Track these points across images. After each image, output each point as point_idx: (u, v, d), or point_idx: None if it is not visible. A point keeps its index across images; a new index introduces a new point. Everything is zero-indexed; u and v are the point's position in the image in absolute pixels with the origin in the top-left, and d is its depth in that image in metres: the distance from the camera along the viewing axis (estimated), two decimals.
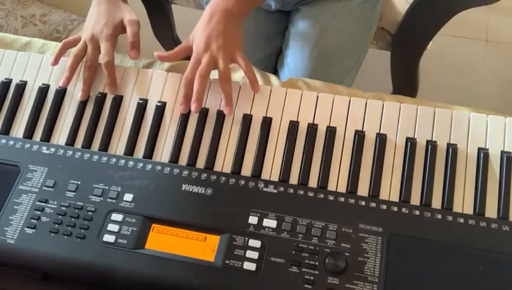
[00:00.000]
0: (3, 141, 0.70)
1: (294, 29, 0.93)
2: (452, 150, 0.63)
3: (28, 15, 1.48)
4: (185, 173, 0.65)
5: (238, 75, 0.76)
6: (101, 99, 0.71)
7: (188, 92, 0.67)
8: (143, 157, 0.67)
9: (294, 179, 0.64)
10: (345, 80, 0.94)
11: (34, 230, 0.62)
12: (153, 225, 0.62)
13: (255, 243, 0.59)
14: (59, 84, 0.72)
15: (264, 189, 0.63)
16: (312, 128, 0.66)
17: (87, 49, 0.73)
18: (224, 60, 0.68)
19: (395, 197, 0.62)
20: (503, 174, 0.61)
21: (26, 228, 0.62)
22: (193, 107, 0.66)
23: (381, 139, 0.64)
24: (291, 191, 0.63)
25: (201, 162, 0.66)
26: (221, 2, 0.72)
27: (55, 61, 0.73)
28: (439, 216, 0.60)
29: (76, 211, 0.63)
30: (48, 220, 0.62)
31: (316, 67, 0.90)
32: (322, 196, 0.62)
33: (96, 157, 0.67)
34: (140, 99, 0.70)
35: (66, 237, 0.61)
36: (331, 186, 0.63)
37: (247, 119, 0.67)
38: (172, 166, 0.65)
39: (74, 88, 0.73)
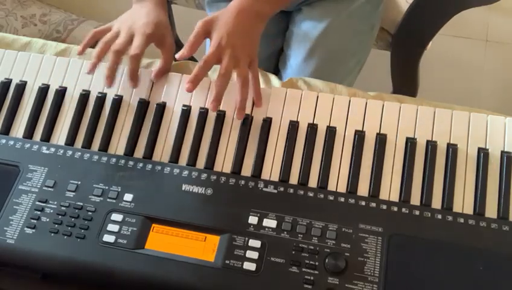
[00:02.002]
0: (3, 141, 0.70)
1: (296, 29, 0.93)
2: (452, 150, 0.63)
3: (28, 15, 1.48)
4: (185, 173, 0.65)
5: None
6: (101, 99, 0.71)
7: (202, 72, 0.64)
8: (143, 157, 0.67)
9: (294, 179, 0.64)
10: (347, 80, 0.94)
11: (34, 230, 0.62)
12: (153, 225, 0.62)
13: (255, 243, 0.59)
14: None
15: (264, 189, 0.63)
16: (312, 128, 0.66)
17: (119, 36, 0.69)
18: (246, 62, 0.66)
19: (395, 197, 0.62)
20: (503, 174, 0.61)
21: (26, 228, 0.62)
22: (211, 106, 0.64)
23: (381, 139, 0.64)
24: (291, 191, 0.63)
25: (201, 162, 0.66)
26: (251, 2, 0.70)
27: (83, 51, 0.71)
28: (439, 216, 0.60)
29: (76, 211, 0.63)
30: (47, 220, 0.62)
31: (319, 67, 0.90)
32: (322, 196, 0.62)
33: (96, 157, 0.67)
34: (141, 99, 0.70)
35: (66, 237, 0.61)
36: (331, 186, 0.63)
37: (247, 119, 0.67)
38: (172, 166, 0.65)
39: (74, 88, 0.72)
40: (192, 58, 0.70)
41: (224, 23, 0.67)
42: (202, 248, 0.60)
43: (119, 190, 0.64)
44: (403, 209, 0.61)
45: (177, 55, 0.67)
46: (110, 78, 0.69)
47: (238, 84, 0.66)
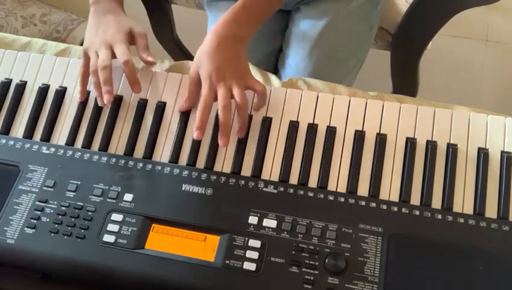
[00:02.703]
0: (3, 141, 0.70)
1: (295, 28, 0.93)
2: (452, 150, 0.63)
3: (28, 15, 1.48)
4: (185, 173, 0.65)
5: None
6: None
7: (204, 117, 0.65)
8: (143, 157, 0.67)
9: (294, 179, 0.64)
10: (346, 80, 0.94)
11: (34, 230, 0.62)
12: (153, 225, 0.62)
13: (255, 243, 0.59)
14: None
15: (264, 189, 0.63)
16: (312, 128, 0.66)
17: (99, 53, 0.70)
18: (240, 88, 0.66)
19: (395, 197, 0.62)
20: (503, 174, 0.61)
21: (26, 228, 0.62)
22: (221, 142, 0.64)
23: (381, 139, 0.64)
24: (291, 191, 0.63)
25: (201, 162, 0.66)
26: (228, 27, 0.70)
27: (82, 96, 0.71)
28: (439, 216, 0.60)
29: (76, 211, 0.63)
30: (48, 220, 0.62)
31: (318, 66, 0.90)
32: (322, 196, 0.62)
33: (96, 157, 0.67)
34: (141, 99, 0.70)
35: (66, 237, 0.61)
36: (331, 186, 0.63)
37: (247, 120, 0.67)
38: (172, 166, 0.65)
39: (74, 88, 0.72)
40: (189, 57, 0.70)
41: (209, 60, 0.68)
42: (202, 248, 0.60)
43: (119, 190, 0.64)
44: (403, 209, 0.61)
45: (177, 107, 0.68)
46: (111, 94, 0.68)
47: (236, 113, 0.66)
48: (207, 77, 0.67)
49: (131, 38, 0.74)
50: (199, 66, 0.68)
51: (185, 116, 0.68)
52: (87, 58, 0.72)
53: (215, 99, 0.66)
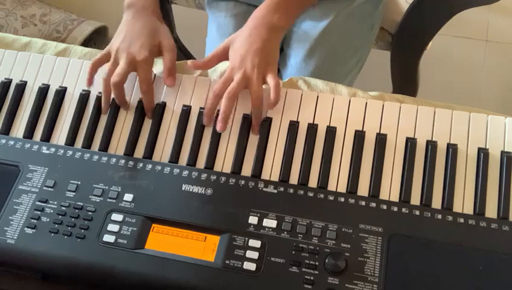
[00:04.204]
0: (3, 141, 0.70)
1: (296, 28, 0.93)
2: (452, 150, 0.63)
3: (28, 15, 1.48)
4: (185, 173, 0.65)
5: None
6: (101, 99, 0.71)
7: (213, 106, 0.66)
8: (143, 157, 0.67)
9: (294, 179, 0.64)
10: (347, 79, 0.94)
11: (34, 230, 0.62)
12: (153, 225, 0.62)
13: (255, 243, 0.59)
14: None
15: (264, 189, 0.63)
16: (312, 129, 0.66)
17: (120, 65, 0.69)
18: (258, 80, 0.66)
19: (395, 197, 0.62)
20: (503, 174, 0.61)
21: (26, 228, 0.62)
22: (218, 126, 0.65)
23: (381, 139, 0.64)
24: (291, 191, 0.63)
25: (201, 162, 0.66)
26: (266, 14, 0.70)
27: (90, 83, 0.71)
28: (439, 216, 0.60)
29: (76, 211, 0.63)
30: (48, 220, 0.62)
31: (318, 66, 0.90)
32: (322, 196, 0.62)
33: (96, 157, 0.67)
34: (141, 99, 0.70)
35: (66, 237, 0.61)
36: (331, 186, 0.63)
37: (247, 120, 0.67)
38: (172, 166, 0.66)
39: (74, 88, 0.72)
40: (189, 57, 0.70)
41: (240, 43, 0.68)
42: (202, 248, 0.60)
43: (119, 190, 0.64)
44: (403, 209, 0.61)
45: (189, 62, 0.68)
46: (125, 104, 0.69)
47: (252, 102, 0.66)
48: (231, 60, 0.67)
49: (158, 51, 0.72)
50: (230, 45, 0.69)
51: (185, 116, 0.68)
52: (107, 56, 0.71)
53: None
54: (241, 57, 0.67)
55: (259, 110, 0.66)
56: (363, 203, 0.61)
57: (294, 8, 0.74)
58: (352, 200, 0.62)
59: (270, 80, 0.67)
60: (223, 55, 0.70)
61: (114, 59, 0.70)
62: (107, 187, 0.64)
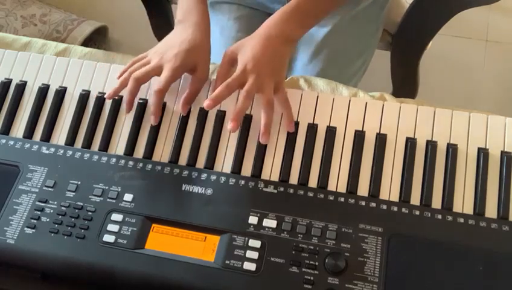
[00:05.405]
0: (3, 141, 0.70)
1: None
2: (452, 150, 0.63)
3: (28, 15, 1.48)
4: (185, 173, 0.65)
5: None
6: (101, 99, 0.71)
7: (223, 94, 0.63)
8: (143, 157, 0.67)
9: (294, 179, 0.64)
10: (352, 82, 0.94)
11: (34, 230, 0.62)
12: (153, 225, 0.62)
13: (255, 243, 0.59)
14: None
15: (264, 189, 0.63)
16: (312, 129, 0.66)
17: (148, 65, 0.68)
18: (271, 88, 0.65)
19: (395, 197, 0.62)
20: (503, 174, 0.61)
21: (26, 228, 0.62)
22: (230, 125, 0.62)
23: (381, 139, 0.64)
24: (291, 191, 0.63)
25: (201, 162, 0.66)
26: (281, 24, 0.68)
27: (120, 76, 0.69)
28: (439, 216, 0.60)
29: (76, 211, 0.63)
30: (47, 220, 0.62)
31: (324, 69, 0.90)
32: (322, 196, 0.62)
33: (96, 157, 0.67)
34: (140, 99, 0.70)
35: (66, 237, 0.61)
36: (331, 186, 0.63)
37: (247, 120, 0.67)
38: (172, 166, 0.65)
39: (74, 88, 0.72)
40: None
41: (251, 48, 0.66)
42: (202, 248, 0.60)
43: (119, 190, 0.64)
44: (403, 209, 0.61)
45: (205, 104, 0.63)
46: (130, 104, 0.67)
47: (262, 109, 0.65)
48: (242, 64, 0.65)
49: (190, 71, 0.69)
50: (238, 49, 0.67)
51: (185, 116, 0.68)
52: (144, 57, 0.70)
53: (240, 87, 0.65)
54: (254, 62, 0.65)
55: (270, 117, 0.64)
56: (363, 203, 0.61)
57: (313, 16, 0.72)
58: (352, 200, 0.62)
59: (281, 95, 0.66)
60: (231, 60, 0.68)
61: (146, 59, 0.69)
62: (107, 187, 0.64)
